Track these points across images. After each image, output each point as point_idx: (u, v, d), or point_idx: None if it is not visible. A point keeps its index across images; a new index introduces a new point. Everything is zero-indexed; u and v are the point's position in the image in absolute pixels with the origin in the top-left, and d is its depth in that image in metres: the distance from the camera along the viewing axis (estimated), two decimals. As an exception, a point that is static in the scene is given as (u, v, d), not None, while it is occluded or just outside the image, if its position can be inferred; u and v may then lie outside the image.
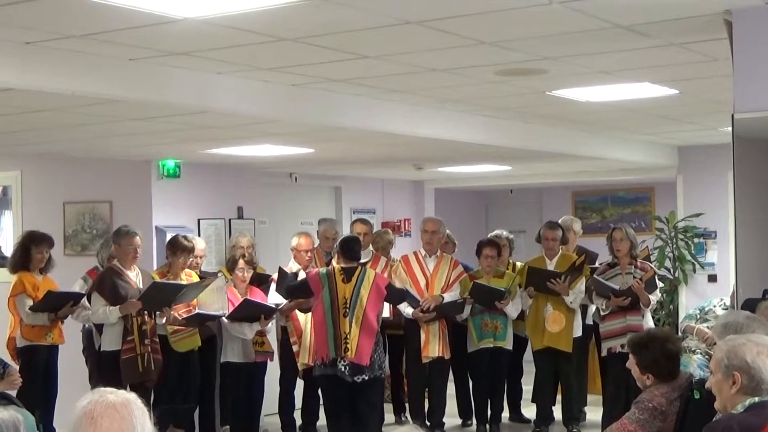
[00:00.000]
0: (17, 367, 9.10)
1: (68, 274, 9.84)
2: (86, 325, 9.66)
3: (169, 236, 10.06)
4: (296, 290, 9.57)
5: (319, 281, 9.08)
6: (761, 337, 4.50)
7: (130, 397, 3.20)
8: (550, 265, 10.41)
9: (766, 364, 4.33)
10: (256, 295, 9.81)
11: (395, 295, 9.63)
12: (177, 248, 9.52)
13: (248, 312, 9.54)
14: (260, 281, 10.06)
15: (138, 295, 8.95)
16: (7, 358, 9.20)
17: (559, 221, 11.03)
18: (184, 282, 9.38)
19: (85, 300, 9.31)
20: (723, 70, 6.56)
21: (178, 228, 10.47)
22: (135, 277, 9.15)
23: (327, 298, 9.03)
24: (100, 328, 9.21)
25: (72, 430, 3.15)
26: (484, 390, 10.62)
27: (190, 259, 9.66)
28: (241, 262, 9.76)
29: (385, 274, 10.00)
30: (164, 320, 9.23)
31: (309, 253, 10.40)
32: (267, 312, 9.65)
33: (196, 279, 9.70)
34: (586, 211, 16.44)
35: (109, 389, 3.22)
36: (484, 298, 10.20)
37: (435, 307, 10.07)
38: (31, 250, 9.49)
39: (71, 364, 9.69)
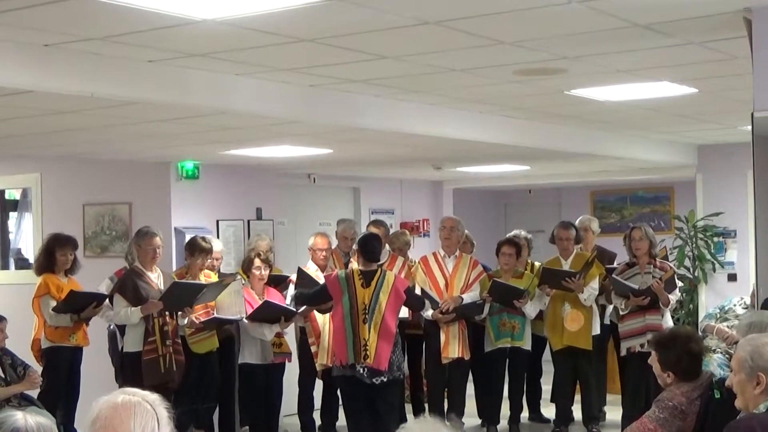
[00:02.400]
0: (39, 369, 9.18)
1: (88, 275, 9.87)
2: (111, 327, 9.67)
3: (188, 238, 10.08)
4: (315, 298, 9.52)
5: (339, 286, 9.02)
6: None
7: (140, 399, 3.20)
8: (566, 265, 10.39)
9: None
10: (273, 296, 9.82)
11: (415, 302, 9.57)
12: (195, 249, 9.55)
13: (268, 314, 9.55)
14: (276, 282, 10.08)
15: (159, 296, 8.97)
16: (32, 360, 9.27)
17: (577, 221, 11.02)
18: (204, 282, 9.40)
19: (109, 300, 9.35)
20: (742, 68, 6.54)
21: (197, 229, 10.49)
22: (156, 278, 9.18)
23: (347, 303, 8.99)
24: (122, 329, 9.24)
25: (86, 428, 3.19)
26: (502, 390, 10.65)
27: (208, 261, 9.68)
28: (257, 261, 9.75)
29: (402, 275, 9.97)
30: (186, 321, 9.26)
31: (325, 253, 10.41)
32: (287, 314, 9.66)
33: (214, 279, 9.72)
34: (605, 210, 16.41)
35: (129, 390, 3.23)
36: (503, 296, 10.19)
37: (454, 308, 10.06)
38: (55, 253, 9.55)
39: (95, 366, 9.72)
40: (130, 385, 3.43)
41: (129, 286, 9.02)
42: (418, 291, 9.96)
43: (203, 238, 9.72)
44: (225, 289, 9.50)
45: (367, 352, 8.89)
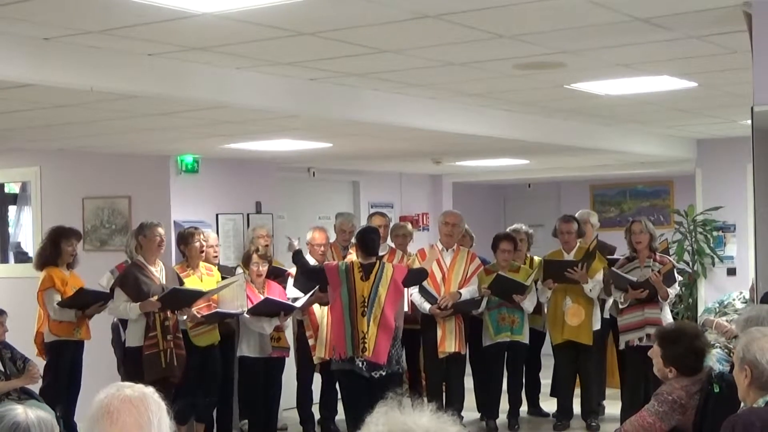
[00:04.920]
0: (41, 362, 9.18)
1: (88, 269, 9.87)
2: (115, 319, 9.66)
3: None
4: (310, 274, 9.54)
5: (338, 276, 9.04)
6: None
7: (147, 391, 3.22)
8: (568, 258, 10.38)
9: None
10: (274, 289, 9.83)
11: (416, 278, 9.55)
12: (185, 237, 9.67)
13: (268, 309, 9.56)
14: (276, 275, 10.08)
15: (160, 291, 8.95)
16: (35, 353, 9.26)
17: (576, 215, 11.01)
18: (204, 290, 9.33)
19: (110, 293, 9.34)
20: (742, 62, 6.54)
21: (196, 223, 10.48)
22: (158, 272, 9.17)
23: (345, 295, 9.00)
24: (125, 322, 9.23)
25: (89, 423, 3.17)
26: (501, 384, 10.65)
27: (205, 245, 9.69)
28: (254, 257, 9.76)
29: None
30: (185, 317, 9.27)
31: (323, 248, 10.42)
32: (286, 309, 9.67)
33: (216, 274, 9.75)
34: (604, 204, 16.41)
35: (126, 383, 3.24)
36: (504, 291, 10.17)
37: (453, 304, 10.04)
38: (60, 244, 9.55)
39: (96, 359, 9.71)
40: (132, 379, 3.44)
41: (131, 280, 9.01)
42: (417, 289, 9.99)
43: (188, 227, 9.85)
44: (227, 285, 9.53)
45: (366, 345, 8.90)
